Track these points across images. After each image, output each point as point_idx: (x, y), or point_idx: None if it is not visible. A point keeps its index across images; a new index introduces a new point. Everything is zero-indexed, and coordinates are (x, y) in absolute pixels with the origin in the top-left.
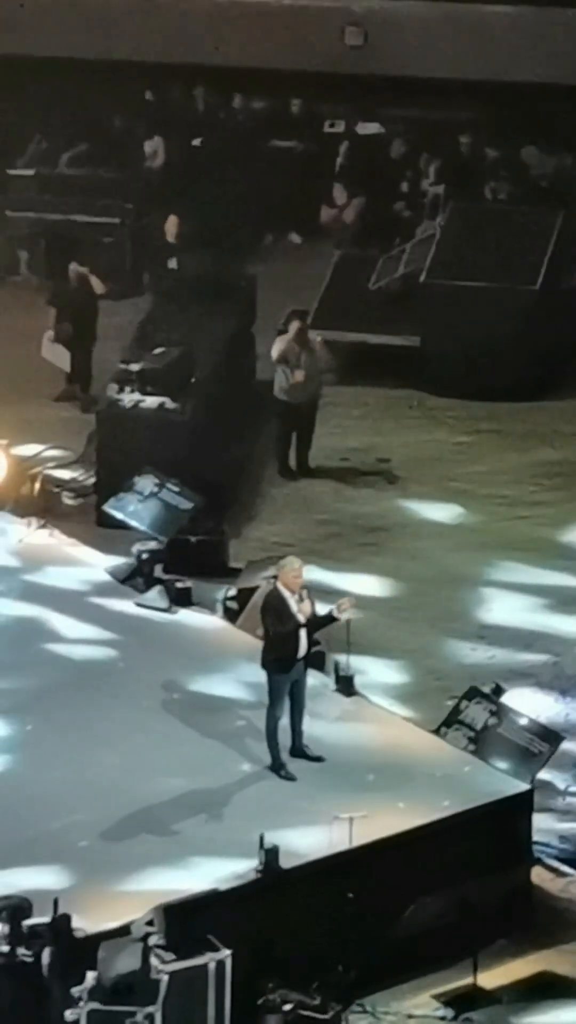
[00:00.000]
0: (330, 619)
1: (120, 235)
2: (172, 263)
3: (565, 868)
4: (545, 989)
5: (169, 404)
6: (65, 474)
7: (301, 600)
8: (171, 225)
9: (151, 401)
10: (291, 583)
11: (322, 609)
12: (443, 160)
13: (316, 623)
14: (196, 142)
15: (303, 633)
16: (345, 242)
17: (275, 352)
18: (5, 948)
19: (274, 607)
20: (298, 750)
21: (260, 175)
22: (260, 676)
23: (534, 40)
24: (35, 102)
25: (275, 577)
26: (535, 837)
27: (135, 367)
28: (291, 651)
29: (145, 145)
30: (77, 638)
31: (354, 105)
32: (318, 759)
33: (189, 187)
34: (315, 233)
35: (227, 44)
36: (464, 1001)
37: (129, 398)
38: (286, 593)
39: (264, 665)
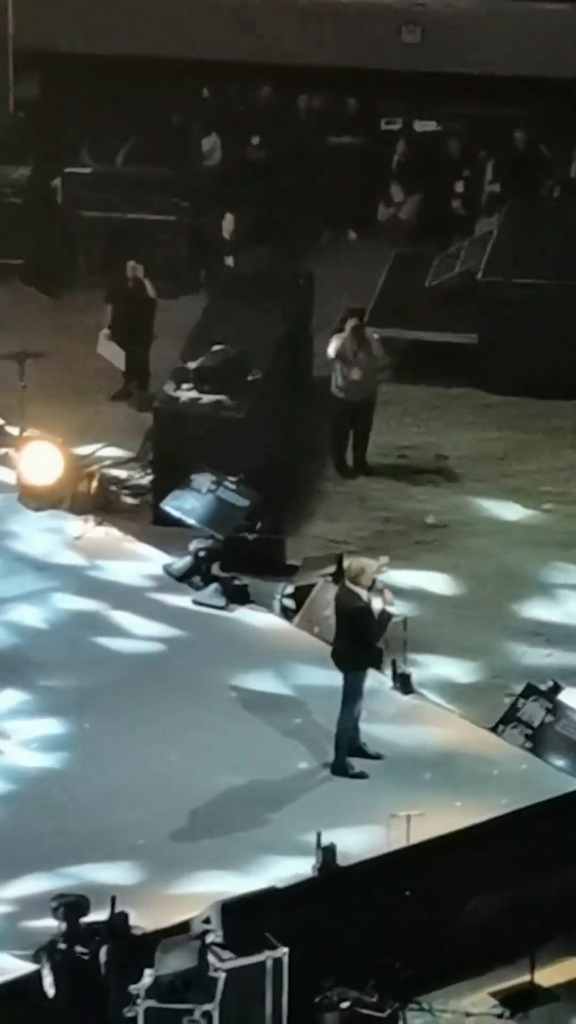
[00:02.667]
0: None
1: (177, 233)
2: (229, 261)
3: None
4: None
5: (226, 401)
6: (122, 472)
7: (379, 593)
8: (228, 223)
9: (208, 399)
10: (366, 581)
11: None
12: (500, 157)
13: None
14: (254, 140)
15: None
16: (402, 240)
17: (332, 350)
18: (63, 946)
19: (361, 609)
20: (357, 748)
21: (317, 172)
22: (317, 674)
23: None
24: (93, 100)
25: (339, 575)
26: None
27: (192, 365)
28: (373, 647)
29: (202, 143)
30: (135, 635)
31: (411, 102)
32: (377, 757)
33: (246, 185)
34: (372, 231)
35: (284, 42)
36: (522, 999)
37: (186, 396)
38: (360, 591)
39: (347, 665)
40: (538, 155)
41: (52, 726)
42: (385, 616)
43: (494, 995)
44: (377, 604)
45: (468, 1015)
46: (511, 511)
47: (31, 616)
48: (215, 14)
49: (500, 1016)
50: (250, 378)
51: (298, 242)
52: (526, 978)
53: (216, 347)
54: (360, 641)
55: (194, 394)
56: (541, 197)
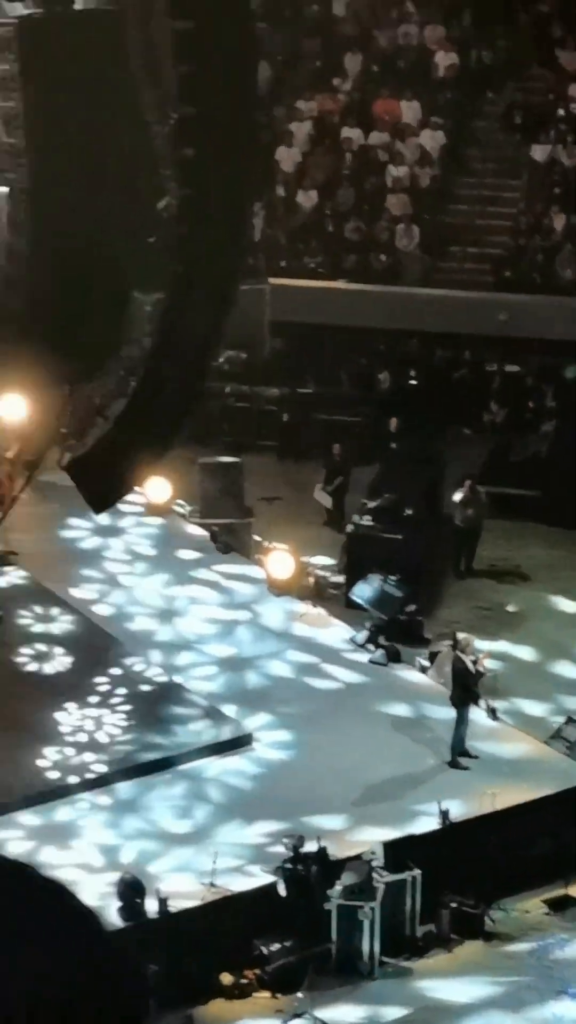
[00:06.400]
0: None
1: (363, 431)
2: (393, 445)
3: None
4: None
5: (391, 528)
6: (328, 572)
7: (475, 660)
8: (393, 424)
9: (379, 526)
10: (471, 651)
11: None
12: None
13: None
14: (410, 373)
15: None
16: (496, 435)
17: (456, 497)
18: (289, 866)
19: (466, 668)
20: (463, 752)
21: (448, 397)
22: (441, 709)
23: None
24: None
25: (455, 645)
26: None
27: (370, 505)
28: (473, 692)
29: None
30: (334, 679)
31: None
32: (475, 757)
33: (405, 408)
34: (478, 428)
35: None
36: (561, 903)
37: (366, 524)
38: (466, 657)
39: (458, 703)
40: None
41: (287, 735)
42: (480, 673)
43: (544, 902)
44: (476, 666)
45: (526, 912)
46: (563, 604)
47: (276, 668)
48: None
49: (547, 914)
50: (405, 514)
51: (434, 434)
52: (564, 891)
53: (385, 495)
54: (465, 688)
55: (371, 522)
56: None
